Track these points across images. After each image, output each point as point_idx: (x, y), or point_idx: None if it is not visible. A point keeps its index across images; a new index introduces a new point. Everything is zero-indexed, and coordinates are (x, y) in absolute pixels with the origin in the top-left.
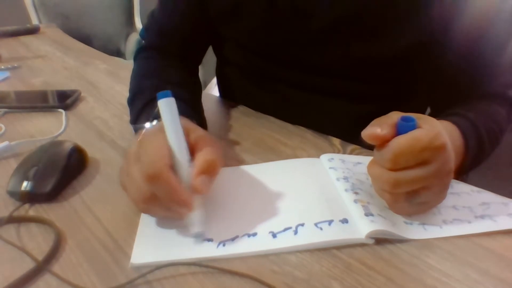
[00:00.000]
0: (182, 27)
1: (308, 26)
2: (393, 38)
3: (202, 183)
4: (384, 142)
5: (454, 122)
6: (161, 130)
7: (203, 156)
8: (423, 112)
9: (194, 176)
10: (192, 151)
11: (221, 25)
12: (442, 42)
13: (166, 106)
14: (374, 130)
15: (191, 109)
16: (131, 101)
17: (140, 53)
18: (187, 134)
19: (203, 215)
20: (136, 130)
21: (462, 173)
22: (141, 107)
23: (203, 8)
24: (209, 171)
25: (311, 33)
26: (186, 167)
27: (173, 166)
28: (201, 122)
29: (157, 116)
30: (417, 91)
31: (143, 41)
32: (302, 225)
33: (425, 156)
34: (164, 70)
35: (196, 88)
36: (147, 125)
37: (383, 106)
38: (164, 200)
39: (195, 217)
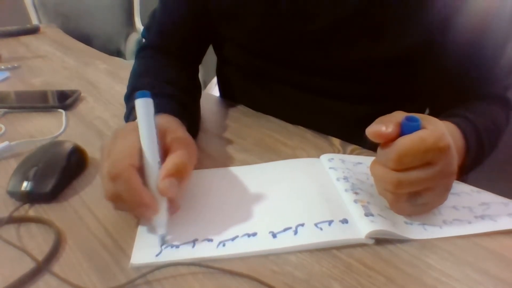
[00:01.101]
0: (182, 26)
1: (308, 26)
2: (393, 39)
3: (169, 185)
4: (387, 140)
5: (454, 123)
6: (135, 129)
7: (172, 158)
8: (422, 112)
9: (160, 178)
10: (166, 152)
11: (221, 25)
12: (442, 43)
13: (142, 106)
14: (379, 127)
15: (182, 108)
16: (127, 98)
17: (140, 52)
18: (164, 135)
19: (166, 217)
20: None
21: (462, 174)
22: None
23: (203, 8)
24: (178, 174)
25: (311, 33)
26: (156, 169)
27: (141, 167)
28: (192, 122)
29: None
30: (417, 92)
31: (144, 40)
32: (302, 225)
33: (429, 157)
34: (162, 69)
35: (194, 88)
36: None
37: (383, 106)
38: (126, 200)
39: (158, 219)
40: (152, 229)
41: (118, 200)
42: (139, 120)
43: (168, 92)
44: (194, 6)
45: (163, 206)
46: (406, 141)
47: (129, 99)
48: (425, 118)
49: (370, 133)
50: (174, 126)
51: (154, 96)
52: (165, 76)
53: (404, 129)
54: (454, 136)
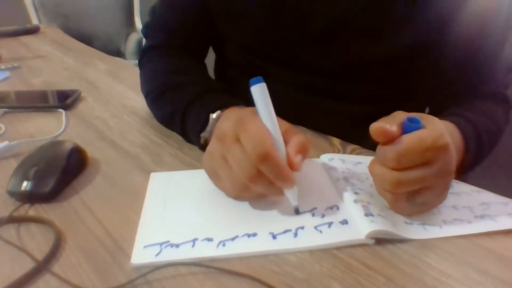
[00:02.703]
0: (186, 23)
1: (306, 27)
2: (391, 39)
3: (300, 160)
4: (389, 139)
5: (453, 122)
6: (254, 114)
7: (297, 138)
8: (422, 111)
9: (293, 154)
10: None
11: (221, 24)
12: (440, 42)
13: (260, 91)
14: (383, 125)
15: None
16: (161, 96)
17: (149, 52)
18: None
19: (297, 190)
20: (187, 122)
21: (462, 173)
22: (190, 100)
23: (204, 7)
24: (303, 150)
25: (310, 34)
26: (283, 148)
27: None
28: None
29: (221, 107)
30: (416, 91)
31: (148, 40)
32: (302, 228)
33: (428, 156)
34: (187, 65)
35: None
36: (214, 115)
37: (382, 106)
38: (272, 177)
39: (291, 192)
40: (153, 229)
41: (258, 180)
42: (261, 105)
43: (214, 86)
44: (197, 5)
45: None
46: (406, 141)
47: (164, 97)
48: (424, 118)
49: (374, 130)
50: None
51: (205, 91)
52: (196, 71)
53: (405, 130)
54: (453, 135)
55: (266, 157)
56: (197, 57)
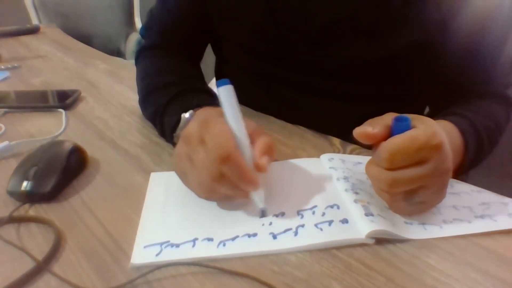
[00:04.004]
0: (182, 25)
1: (305, 27)
2: (390, 39)
3: (266, 162)
4: (377, 141)
5: (452, 122)
6: (220, 115)
7: (263, 139)
8: (422, 111)
9: (258, 156)
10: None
11: (220, 25)
12: (440, 41)
13: (227, 93)
14: (365, 128)
15: (216, 99)
16: (147, 98)
17: (143, 53)
18: None
19: (263, 193)
20: (165, 122)
21: (462, 172)
22: (167, 101)
23: (202, 8)
24: (269, 152)
25: (309, 33)
26: (249, 150)
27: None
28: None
29: (193, 107)
30: (416, 91)
31: (144, 41)
32: (302, 226)
33: (422, 155)
34: (175, 66)
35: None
36: (186, 115)
37: (382, 106)
38: (234, 179)
39: (260, 194)
40: (153, 229)
41: (220, 181)
42: (227, 107)
43: (197, 86)
44: (193, 5)
45: (261, 182)
46: (398, 140)
47: (149, 98)
48: (416, 118)
49: (357, 134)
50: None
51: (185, 91)
52: (182, 72)
53: (394, 130)
54: (452, 135)
55: (227, 159)
56: (192, 58)
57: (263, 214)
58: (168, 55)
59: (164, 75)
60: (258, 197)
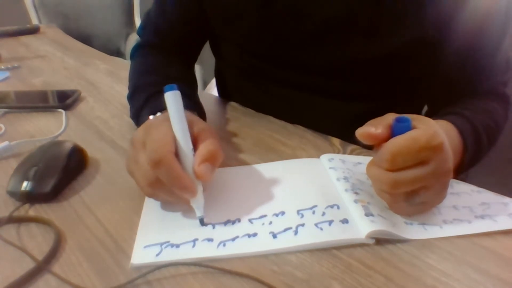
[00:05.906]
0: (177, 26)
1: (302, 26)
2: (387, 38)
3: (205, 169)
4: (378, 141)
5: (451, 121)
6: (166, 120)
7: (206, 146)
8: (420, 110)
9: (197, 164)
10: (195, 142)
11: (217, 25)
12: (437, 40)
13: (172, 98)
14: (368, 129)
15: (192, 102)
16: (131, 97)
17: (137, 51)
18: (190, 126)
19: (203, 201)
20: (139, 123)
21: (461, 172)
22: (143, 102)
23: (198, 8)
24: (212, 159)
25: (305, 33)
26: (190, 156)
27: (177, 154)
28: (201, 115)
29: (161, 109)
30: (414, 89)
31: (140, 39)
32: (302, 225)
33: (423, 156)
34: (162, 66)
35: (193, 82)
36: (151, 117)
37: (381, 105)
38: (168, 184)
39: (196, 202)
40: (153, 230)
41: (158, 186)
42: (171, 112)
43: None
44: (189, 6)
45: (200, 189)
46: (399, 141)
47: (133, 98)
48: (417, 118)
49: (360, 135)
50: (196, 118)
51: (159, 93)
52: (167, 73)
53: (395, 130)
54: (450, 134)
55: (159, 163)
56: (187, 58)
57: (201, 223)
58: (161, 55)
59: (148, 75)
60: (196, 205)
